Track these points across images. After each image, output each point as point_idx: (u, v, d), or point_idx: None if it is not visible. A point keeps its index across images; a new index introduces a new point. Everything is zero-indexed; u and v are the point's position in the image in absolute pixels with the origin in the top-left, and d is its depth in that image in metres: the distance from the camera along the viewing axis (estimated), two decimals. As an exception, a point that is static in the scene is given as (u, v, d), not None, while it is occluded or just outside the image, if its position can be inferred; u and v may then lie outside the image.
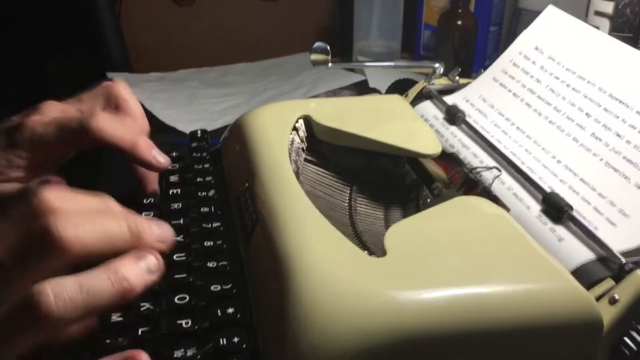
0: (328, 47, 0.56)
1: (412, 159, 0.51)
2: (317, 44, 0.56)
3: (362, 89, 0.92)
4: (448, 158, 0.49)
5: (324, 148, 0.51)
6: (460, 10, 0.88)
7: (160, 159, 0.41)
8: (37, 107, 0.39)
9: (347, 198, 0.49)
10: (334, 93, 0.91)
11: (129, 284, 0.29)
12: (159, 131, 0.76)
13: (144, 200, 0.43)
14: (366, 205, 0.49)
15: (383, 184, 0.51)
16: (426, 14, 0.98)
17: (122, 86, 0.41)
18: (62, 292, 0.27)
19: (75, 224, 0.29)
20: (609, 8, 0.69)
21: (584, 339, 0.32)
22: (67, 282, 0.28)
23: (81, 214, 0.30)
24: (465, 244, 0.35)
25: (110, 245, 0.30)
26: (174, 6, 1.08)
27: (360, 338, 0.29)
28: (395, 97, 0.57)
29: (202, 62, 1.03)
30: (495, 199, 0.42)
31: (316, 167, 0.50)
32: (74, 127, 0.37)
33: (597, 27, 0.69)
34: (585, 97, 0.46)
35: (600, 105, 0.44)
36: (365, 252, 0.35)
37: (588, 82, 0.46)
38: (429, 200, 0.47)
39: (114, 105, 0.40)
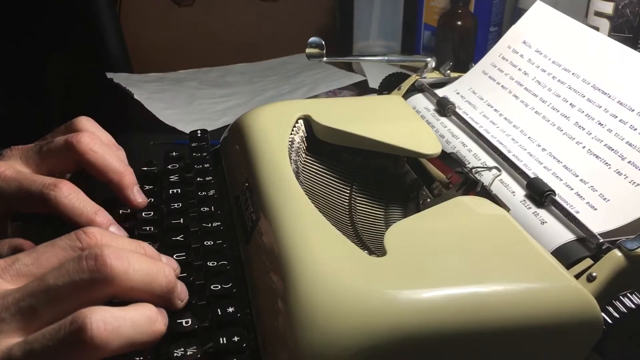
0: (323, 42, 0.57)
1: (412, 159, 0.51)
2: (312, 39, 0.58)
3: (362, 89, 0.92)
4: (447, 158, 0.49)
5: (324, 148, 0.51)
6: (460, 11, 0.88)
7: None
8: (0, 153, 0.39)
9: (347, 198, 0.49)
10: (334, 93, 0.91)
11: (164, 327, 0.30)
12: (159, 131, 0.76)
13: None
14: (366, 205, 0.49)
15: (383, 184, 0.51)
16: (426, 14, 0.98)
17: (88, 141, 0.39)
18: (110, 320, 0.27)
19: (126, 259, 0.29)
20: (608, 8, 0.69)
21: (584, 339, 0.32)
22: (114, 311, 0.28)
23: (130, 252, 0.30)
24: (465, 243, 0.35)
25: (149, 289, 0.30)
26: (174, 6, 1.08)
27: (360, 337, 0.29)
28: (395, 98, 0.57)
29: (202, 62, 1.03)
30: (495, 199, 0.42)
31: (316, 167, 0.50)
32: (34, 192, 0.36)
33: (597, 28, 0.69)
34: (570, 88, 0.47)
35: (584, 96, 0.46)
36: (365, 251, 0.35)
37: (573, 74, 0.48)
38: (429, 200, 0.47)
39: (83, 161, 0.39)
